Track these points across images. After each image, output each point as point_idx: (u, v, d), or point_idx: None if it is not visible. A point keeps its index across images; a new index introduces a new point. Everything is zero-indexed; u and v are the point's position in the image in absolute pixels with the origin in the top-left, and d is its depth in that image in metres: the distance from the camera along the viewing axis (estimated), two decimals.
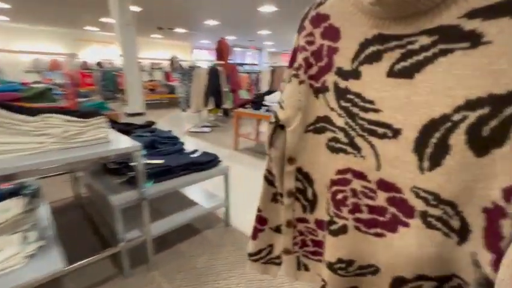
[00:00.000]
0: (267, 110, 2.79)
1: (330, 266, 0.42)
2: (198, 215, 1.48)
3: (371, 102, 0.34)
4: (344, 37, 0.37)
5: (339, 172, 0.39)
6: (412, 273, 0.34)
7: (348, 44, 0.37)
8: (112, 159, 1.13)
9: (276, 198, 0.53)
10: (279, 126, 0.46)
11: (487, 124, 0.26)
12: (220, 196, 1.65)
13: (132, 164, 1.16)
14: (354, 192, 0.38)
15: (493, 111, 0.26)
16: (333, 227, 0.41)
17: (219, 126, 4.82)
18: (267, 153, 0.48)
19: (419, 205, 0.32)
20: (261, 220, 0.54)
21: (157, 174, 1.32)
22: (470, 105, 0.27)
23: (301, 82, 0.43)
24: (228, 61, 5.20)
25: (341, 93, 0.38)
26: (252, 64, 9.70)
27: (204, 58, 10.88)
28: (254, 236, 0.55)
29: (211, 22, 7.40)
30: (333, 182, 0.40)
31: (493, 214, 0.27)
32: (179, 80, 4.73)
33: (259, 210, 0.54)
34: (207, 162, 1.50)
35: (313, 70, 0.42)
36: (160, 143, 1.60)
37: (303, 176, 0.46)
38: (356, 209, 0.38)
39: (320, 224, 0.47)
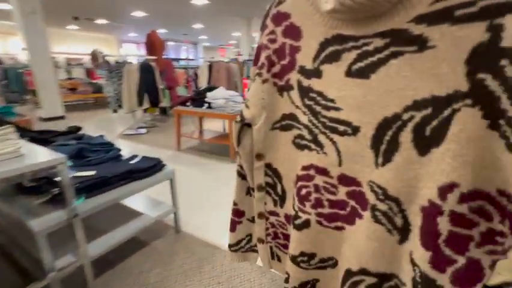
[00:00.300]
0: (209, 107, 2.71)
1: (293, 259, 0.44)
2: (144, 226, 1.36)
3: (332, 100, 0.35)
4: (305, 36, 0.38)
5: (304, 168, 0.40)
6: (357, 266, 0.36)
7: (309, 43, 0.37)
8: (29, 176, 0.93)
9: (250, 192, 0.55)
10: (245, 125, 0.46)
11: (429, 124, 0.28)
12: (167, 202, 1.54)
13: (56, 179, 0.98)
14: (317, 188, 0.39)
15: (434, 112, 0.27)
16: (297, 221, 0.42)
17: (157, 126, 4.51)
18: (236, 151, 0.49)
19: (371, 198, 0.34)
20: (238, 213, 0.57)
21: (89, 188, 1.15)
22: (416, 105, 0.28)
23: (264, 81, 0.43)
24: (162, 56, 4.87)
25: (305, 92, 0.38)
26: (188, 59, 9.32)
27: (133, 53, 9.96)
28: (233, 228, 0.58)
29: (139, 13, 6.80)
30: (298, 178, 0.41)
31: (430, 212, 0.29)
32: (105, 78, 4.24)
33: (235, 204, 0.56)
34: (149, 168, 1.38)
35: (277, 68, 0.42)
36: (90, 151, 1.40)
37: (273, 172, 0.48)
38: (318, 204, 0.40)
39: (288, 218, 0.49)
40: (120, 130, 4.17)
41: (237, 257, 0.61)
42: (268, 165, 0.48)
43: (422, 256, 0.30)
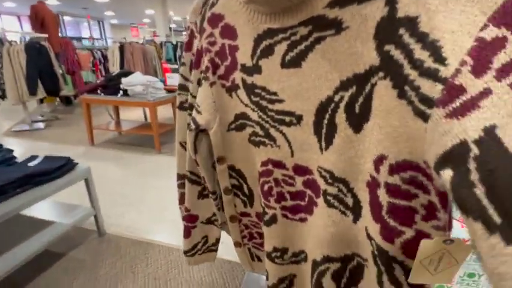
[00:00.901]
0: (126, 94, 2.45)
1: (268, 255, 0.44)
2: (57, 235, 1.18)
3: (275, 93, 0.35)
4: (240, 35, 0.37)
5: (263, 164, 0.40)
6: (320, 255, 0.37)
7: (244, 41, 0.37)
8: None
9: (203, 195, 0.54)
10: (200, 131, 0.45)
11: (357, 102, 0.29)
12: (85, 204, 1.37)
13: None
14: (277, 182, 0.39)
15: (359, 90, 0.28)
16: (266, 217, 0.42)
17: (59, 119, 3.84)
18: (193, 159, 0.47)
19: (322, 184, 0.35)
20: (191, 218, 0.56)
21: None
22: (344, 85, 0.29)
23: (212, 84, 0.42)
24: (58, 34, 4.07)
25: (250, 89, 0.38)
26: (93, 39, 8.02)
27: (13, 29, 7.94)
28: (187, 234, 0.57)
29: None
30: (260, 174, 0.41)
31: (372, 186, 0.30)
32: None
33: (187, 210, 0.55)
34: (56, 169, 1.19)
35: (221, 70, 0.41)
36: None
37: (237, 173, 0.47)
38: (280, 197, 0.40)
39: (260, 216, 0.49)
40: (7, 126, 3.39)
41: (194, 261, 0.60)
42: (231, 167, 0.47)
43: (374, 229, 0.30)
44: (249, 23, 0.36)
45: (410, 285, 0.30)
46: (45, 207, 1.37)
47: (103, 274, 1.17)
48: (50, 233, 1.18)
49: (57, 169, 1.19)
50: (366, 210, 0.32)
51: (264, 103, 0.37)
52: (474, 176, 0.18)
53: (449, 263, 0.28)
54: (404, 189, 0.27)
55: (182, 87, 0.52)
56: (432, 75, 0.21)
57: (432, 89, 0.21)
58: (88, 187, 1.31)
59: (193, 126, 0.44)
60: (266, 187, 0.41)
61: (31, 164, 1.21)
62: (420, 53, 0.22)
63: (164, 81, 2.97)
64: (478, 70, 0.18)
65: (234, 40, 0.38)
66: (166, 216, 1.58)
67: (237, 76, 0.39)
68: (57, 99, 4.49)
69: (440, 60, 0.21)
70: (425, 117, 0.22)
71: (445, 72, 0.20)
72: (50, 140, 2.98)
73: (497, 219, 0.17)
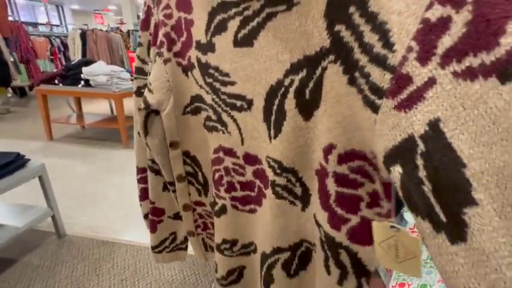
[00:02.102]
0: (88, 85, 2.27)
1: (218, 247, 0.42)
2: (6, 239, 1.06)
3: (227, 74, 0.32)
4: (195, 7, 0.34)
5: (214, 151, 0.38)
6: (270, 247, 0.35)
7: (199, 14, 0.33)
8: None
9: (167, 187, 0.49)
10: (152, 112, 0.40)
11: (308, 87, 0.26)
12: (40, 204, 1.25)
13: None
14: (227, 170, 0.37)
15: (309, 73, 0.26)
16: (216, 208, 0.40)
17: (11, 112, 3.49)
18: (145, 143, 0.43)
19: (270, 175, 0.32)
20: (156, 212, 0.51)
21: None
22: (294, 68, 0.26)
23: (166, 61, 0.38)
24: (7, 18, 3.66)
25: (204, 69, 0.34)
26: (51, 25, 7.36)
27: None
28: (153, 228, 0.53)
29: None
30: (212, 162, 0.39)
31: (321, 175, 0.29)
32: None
33: (152, 203, 0.51)
34: (3, 166, 1.06)
35: (178, 46, 0.37)
36: None
37: (192, 160, 0.44)
38: (230, 187, 0.38)
39: None
40: None
41: (162, 258, 0.56)
42: (186, 153, 0.43)
43: (322, 217, 0.30)
44: None
45: (355, 270, 0.31)
46: None
47: (62, 278, 1.08)
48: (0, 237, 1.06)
49: (3, 166, 1.06)
50: (315, 198, 0.31)
51: (217, 85, 0.34)
52: (422, 173, 0.17)
53: (407, 252, 0.28)
54: (352, 178, 0.27)
55: (140, 71, 0.47)
56: (381, 62, 0.19)
57: (382, 78, 0.20)
58: (42, 185, 1.20)
59: (143, 105, 0.40)
60: (217, 176, 0.38)
61: None
62: (370, 36, 0.20)
63: (131, 72, 2.80)
64: (423, 57, 0.17)
65: (189, 13, 0.35)
66: (134, 214, 1.50)
67: (193, 54, 0.36)
68: (9, 90, 4.07)
69: (388, 45, 0.19)
70: (374, 108, 0.21)
71: (393, 59, 0.18)
72: (2, 135, 2.69)
73: (443, 217, 0.16)
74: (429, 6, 0.17)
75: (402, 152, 0.18)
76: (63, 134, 2.70)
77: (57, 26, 8.55)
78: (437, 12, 0.16)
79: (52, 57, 4.53)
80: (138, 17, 7.37)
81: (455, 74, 0.15)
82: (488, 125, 0.14)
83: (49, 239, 1.29)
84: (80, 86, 2.30)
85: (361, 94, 0.22)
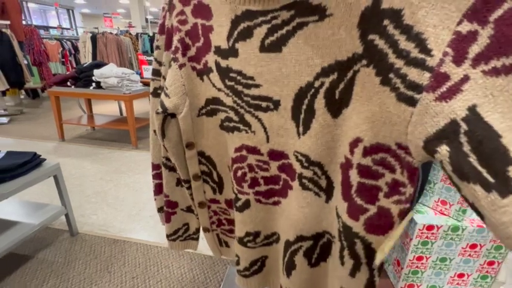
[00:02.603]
0: (99, 87, 2.33)
1: (240, 241, 0.44)
2: (23, 237, 1.10)
3: (252, 78, 0.35)
4: (215, 15, 0.36)
5: (236, 150, 0.40)
6: (293, 235, 0.38)
7: (220, 21, 0.35)
8: None
9: (180, 183, 0.53)
10: (168, 115, 0.43)
11: (338, 88, 0.30)
12: (55, 203, 1.29)
13: None
14: (251, 167, 0.39)
15: (340, 76, 0.29)
16: (238, 203, 0.42)
17: (24, 113, 3.58)
18: (162, 145, 0.46)
19: (297, 168, 0.36)
20: (170, 204, 0.55)
21: None
22: (325, 72, 0.30)
23: (181, 66, 0.40)
24: (21, 22, 3.77)
25: (225, 73, 0.37)
26: (62, 28, 7.52)
27: None
28: (168, 219, 0.57)
29: None
30: (233, 161, 0.41)
31: (345, 167, 0.32)
32: None
33: (166, 196, 0.54)
34: (20, 166, 1.10)
35: (192, 51, 0.39)
36: None
37: (207, 160, 0.46)
38: (254, 182, 0.40)
39: (229, 203, 0.49)
40: None
41: (176, 246, 0.60)
42: (201, 153, 0.46)
43: (342, 207, 0.33)
44: (226, 2, 0.34)
45: (368, 261, 0.33)
46: (9, 206, 1.27)
47: (75, 275, 1.10)
48: (15, 234, 1.09)
49: (21, 165, 1.10)
50: (337, 191, 0.34)
51: (239, 88, 0.36)
52: (466, 148, 0.21)
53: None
54: (374, 169, 0.30)
55: (157, 73, 0.49)
56: (419, 64, 0.23)
57: (421, 77, 0.23)
58: (57, 184, 1.23)
59: (160, 109, 0.42)
60: (240, 173, 0.41)
61: None
62: (406, 44, 0.24)
63: (140, 74, 2.85)
64: (458, 60, 0.21)
65: (208, 20, 0.37)
66: (143, 213, 1.52)
67: (210, 59, 0.38)
68: (23, 91, 4.18)
69: (426, 51, 0.23)
70: (412, 102, 0.25)
71: (431, 61, 0.23)
72: (15, 135, 2.77)
73: (491, 179, 0.20)
74: (459, 22, 0.21)
75: (447, 134, 0.22)
76: (74, 134, 2.76)
77: (67, 29, 8.73)
78: (466, 27, 0.21)
79: (63, 59, 4.64)
80: (146, 20, 7.48)
81: (484, 72, 0.20)
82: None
83: (62, 236, 1.33)
84: (91, 88, 2.35)
85: (395, 92, 0.26)
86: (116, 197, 1.69)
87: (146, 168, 2.04)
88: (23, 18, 4.00)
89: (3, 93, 3.54)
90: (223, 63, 0.36)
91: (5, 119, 3.21)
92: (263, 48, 0.33)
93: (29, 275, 1.10)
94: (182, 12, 0.39)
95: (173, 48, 0.41)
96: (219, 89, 0.39)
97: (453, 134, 0.22)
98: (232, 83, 0.37)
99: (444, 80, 0.22)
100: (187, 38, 0.39)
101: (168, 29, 0.42)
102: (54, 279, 1.09)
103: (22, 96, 4.28)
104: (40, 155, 1.20)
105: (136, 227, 1.42)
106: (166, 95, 0.42)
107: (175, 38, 0.40)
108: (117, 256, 1.21)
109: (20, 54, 3.18)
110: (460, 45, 0.21)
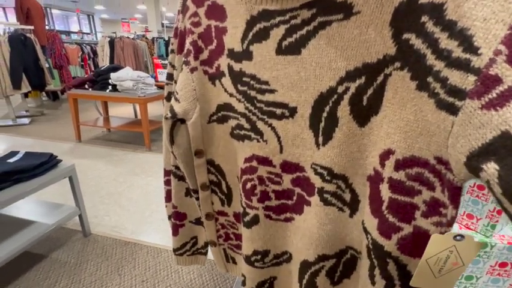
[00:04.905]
0: (115, 90, 2.38)
1: (247, 259, 0.41)
2: (38, 236, 1.12)
3: (266, 82, 0.32)
4: (230, 16, 0.33)
5: (246, 160, 0.37)
6: (314, 255, 0.34)
7: (235, 23, 0.33)
8: None
9: (190, 193, 0.50)
10: (178, 121, 0.41)
11: (366, 93, 0.26)
12: (69, 203, 1.31)
13: None
14: (261, 180, 0.36)
15: (368, 80, 0.26)
16: (246, 218, 0.39)
17: (44, 114, 3.72)
18: (170, 151, 0.43)
19: (317, 182, 0.32)
20: (178, 216, 0.52)
21: None
22: (350, 76, 0.27)
23: (193, 70, 0.38)
24: (44, 27, 3.93)
25: (237, 77, 0.34)
26: (82, 33, 7.82)
27: None
28: (175, 232, 0.54)
29: None
30: (242, 171, 0.38)
31: (374, 180, 0.28)
32: None
33: (174, 207, 0.52)
34: (37, 166, 1.12)
35: (205, 55, 0.37)
36: None
37: (216, 169, 0.44)
38: (264, 196, 0.37)
39: (237, 216, 0.46)
40: None
41: (183, 261, 0.58)
42: (210, 162, 0.43)
43: (371, 223, 0.29)
44: (241, 2, 0.32)
45: (402, 283, 0.29)
46: (26, 206, 1.30)
47: (87, 276, 1.11)
48: (31, 234, 1.11)
49: (38, 166, 1.12)
50: (364, 204, 0.31)
51: (252, 93, 0.34)
52: None
53: (455, 263, 0.27)
54: (408, 185, 0.26)
55: (171, 77, 0.48)
56: (462, 65, 0.20)
57: (464, 80, 0.20)
58: (72, 185, 1.25)
59: (169, 114, 0.40)
60: (249, 185, 0.37)
61: (11, 160, 1.14)
62: (447, 43, 0.21)
63: (155, 77, 2.90)
64: None
65: (222, 21, 0.34)
66: (155, 216, 1.53)
67: (223, 62, 0.36)
68: (44, 94, 4.35)
69: (472, 49, 0.19)
70: (453, 110, 0.21)
71: (478, 62, 0.19)
72: (35, 136, 2.87)
73: None
74: None
75: (496, 149, 0.18)
76: (90, 136, 2.83)
77: (87, 34, 9.06)
78: None
79: (82, 63, 4.80)
80: (162, 25, 7.65)
81: None
82: None
83: (75, 237, 1.35)
84: (107, 90, 2.40)
85: (434, 98, 0.22)
86: (129, 198, 1.71)
87: (158, 171, 2.05)
88: (46, 23, 4.17)
89: (26, 95, 3.69)
90: (236, 66, 0.34)
91: (26, 120, 3.34)
92: (280, 51, 0.30)
93: (42, 275, 1.12)
94: (195, 14, 0.37)
95: (185, 51, 0.39)
96: (231, 94, 0.36)
97: (504, 149, 0.18)
98: (245, 88, 0.34)
99: (494, 84, 0.18)
100: (200, 40, 0.37)
101: (181, 32, 0.40)
102: (66, 279, 1.10)
103: (43, 98, 4.44)
104: (56, 156, 1.22)
105: (148, 229, 1.42)
106: (176, 99, 0.40)
107: (188, 41, 0.38)
108: (128, 259, 1.21)
109: (42, 58, 3.30)
110: None
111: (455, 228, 0.70)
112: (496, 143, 0.18)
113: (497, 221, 0.61)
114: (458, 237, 0.25)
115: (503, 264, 0.62)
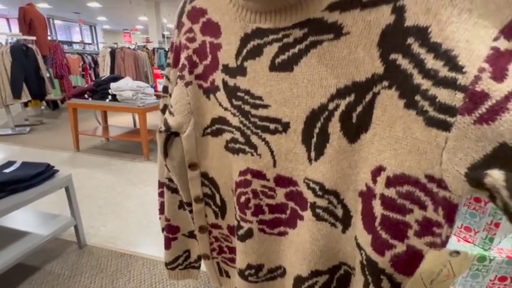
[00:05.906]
0: (114, 100, 2.39)
1: (241, 273, 0.40)
2: (32, 247, 1.10)
3: (260, 98, 0.33)
4: (224, 33, 0.35)
5: (241, 173, 0.37)
6: (307, 270, 0.34)
7: (229, 39, 0.34)
8: None
9: (183, 205, 0.50)
10: (172, 134, 0.41)
11: (355, 111, 0.27)
12: (65, 213, 1.30)
13: None
14: (255, 193, 0.37)
15: (358, 98, 0.27)
16: (240, 231, 0.39)
17: (44, 123, 3.72)
18: (164, 164, 0.43)
19: (309, 196, 0.32)
20: (171, 229, 0.52)
21: None
22: (340, 93, 0.28)
23: (187, 84, 0.39)
24: (47, 37, 3.99)
25: (232, 92, 0.35)
26: (84, 43, 7.93)
27: (1, 30, 7.76)
28: (167, 245, 0.53)
29: None
30: (237, 185, 0.38)
31: (367, 196, 0.29)
32: None
33: (167, 220, 0.51)
34: (34, 177, 1.12)
35: (200, 69, 0.38)
36: None
37: (210, 182, 0.44)
38: (258, 210, 0.37)
39: (231, 230, 0.45)
40: None
41: (175, 275, 0.57)
42: (204, 175, 0.43)
43: (365, 239, 0.29)
44: (236, 20, 0.33)
45: None
46: (21, 216, 1.29)
47: None
48: (25, 245, 1.10)
49: (35, 176, 1.12)
50: (356, 220, 0.31)
51: (246, 107, 0.34)
52: None
53: (447, 275, 0.27)
54: (400, 203, 0.26)
55: (166, 89, 0.48)
56: (450, 83, 0.21)
57: (453, 97, 0.21)
58: (68, 196, 1.24)
59: (163, 128, 0.40)
60: (243, 199, 0.38)
61: (7, 170, 1.13)
62: (433, 63, 0.22)
63: (155, 87, 2.92)
64: (498, 76, 0.19)
65: (217, 38, 0.35)
66: (152, 227, 1.51)
67: (218, 77, 0.37)
68: (44, 103, 4.37)
69: (457, 68, 0.21)
70: (445, 126, 0.22)
71: (464, 80, 0.20)
72: (34, 145, 2.86)
73: None
74: (496, 38, 0.20)
75: (499, 158, 0.19)
76: (89, 145, 2.83)
77: (89, 44, 9.19)
78: (503, 44, 0.19)
79: (83, 73, 4.84)
80: (163, 35, 7.77)
81: None
82: None
83: (70, 248, 1.33)
84: (107, 100, 2.42)
85: (423, 116, 0.23)
86: (127, 208, 1.69)
87: (156, 181, 2.04)
88: (48, 33, 4.23)
89: (26, 104, 3.71)
90: (231, 81, 0.35)
91: (25, 129, 3.35)
92: (273, 67, 0.31)
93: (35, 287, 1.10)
94: (190, 30, 0.38)
95: (180, 66, 0.40)
96: (226, 108, 0.37)
97: (506, 157, 0.19)
98: (240, 103, 0.35)
99: (482, 100, 0.19)
100: (195, 55, 0.38)
101: (176, 47, 0.41)
102: None
103: (43, 107, 4.46)
104: (53, 166, 1.22)
105: (144, 240, 1.40)
106: (171, 113, 0.40)
107: (183, 56, 0.39)
108: (123, 271, 1.19)
109: (43, 68, 3.34)
110: (498, 60, 0.19)
111: (453, 241, 0.69)
112: (498, 153, 0.19)
113: (495, 234, 0.60)
114: (454, 254, 0.25)
115: (502, 279, 0.62)
